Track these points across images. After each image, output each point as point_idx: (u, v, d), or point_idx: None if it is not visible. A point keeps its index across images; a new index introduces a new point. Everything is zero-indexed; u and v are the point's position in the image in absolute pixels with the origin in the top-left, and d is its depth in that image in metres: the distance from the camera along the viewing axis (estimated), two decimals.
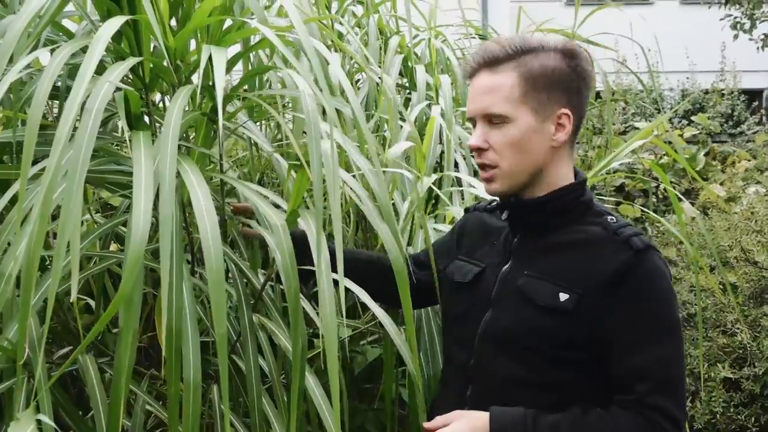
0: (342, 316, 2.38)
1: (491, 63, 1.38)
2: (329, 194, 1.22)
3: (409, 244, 1.95)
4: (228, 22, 1.54)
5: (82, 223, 1.74)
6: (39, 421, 1.05)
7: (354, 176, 1.42)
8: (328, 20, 2.59)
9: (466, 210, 1.68)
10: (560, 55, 1.39)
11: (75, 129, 1.08)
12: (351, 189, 1.34)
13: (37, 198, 1.02)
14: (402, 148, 1.96)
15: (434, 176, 1.97)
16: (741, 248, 2.73)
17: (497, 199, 1.51)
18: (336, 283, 1.16)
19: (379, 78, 1.90)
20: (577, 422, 1.32)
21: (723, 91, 7.33)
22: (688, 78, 7.83)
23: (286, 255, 1.14)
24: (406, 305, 1.36)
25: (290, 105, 1.93)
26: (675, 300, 1.39)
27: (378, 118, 2.42)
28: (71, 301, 1.03)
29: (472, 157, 1.46)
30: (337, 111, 1.43)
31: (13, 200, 1.17)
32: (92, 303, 1.90)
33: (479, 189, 2.06)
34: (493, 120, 1.37)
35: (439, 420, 1.39)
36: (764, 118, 7.40)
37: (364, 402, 2.48)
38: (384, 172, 1.74)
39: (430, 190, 2.25)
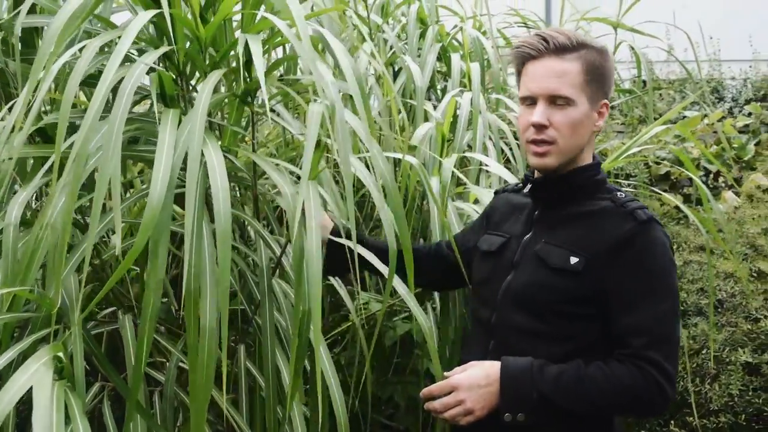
0: (374, 293, 2.53)
1: (560, 50, 1.55)
2: (343, 174, 1.36)
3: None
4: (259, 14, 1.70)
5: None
6: (59, 358, 1.21)
7: (363, 160, 1.55)
8: (364, 10, 2.72)
9: (496, 192, 1.88)
10: (601, 54, 1.58)
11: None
12: (358, 171, 1.47)
13: (70, 169, 1.18)
14: (423, 131, 2.08)
15: (454, 157, 2.08)
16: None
17: (520, 183, 1.77)
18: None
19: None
20: (578, 371, 1.49)
21: None
22: (750, 66, 7.64)
23: (294, 220, 1.28)
24: (410, 279, 1.53)
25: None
26: (673, 268, 1.55)
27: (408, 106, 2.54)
28: (117, 254, 1.18)
29: (522, 135, 1.64)
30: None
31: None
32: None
33: (501, 171, 2.16)
34: (558, 101, 1.55)
35: (457, 369, 1.58)
36: None
37: (396, 375, 2.62)
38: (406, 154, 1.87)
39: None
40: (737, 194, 3.80)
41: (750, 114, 5.09)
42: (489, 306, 1.65)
